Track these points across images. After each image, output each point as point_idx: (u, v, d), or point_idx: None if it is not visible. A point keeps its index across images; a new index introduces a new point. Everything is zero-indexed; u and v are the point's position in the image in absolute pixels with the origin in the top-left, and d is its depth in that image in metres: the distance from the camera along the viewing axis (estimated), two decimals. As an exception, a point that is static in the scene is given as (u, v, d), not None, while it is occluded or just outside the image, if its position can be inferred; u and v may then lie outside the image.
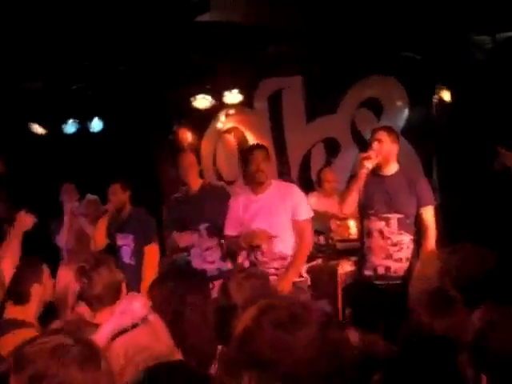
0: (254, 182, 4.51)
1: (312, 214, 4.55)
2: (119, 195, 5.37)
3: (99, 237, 5.49)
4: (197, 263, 4.93)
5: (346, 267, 5.60)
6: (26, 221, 3.79)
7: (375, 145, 4.29)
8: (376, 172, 4.41)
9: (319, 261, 5.80)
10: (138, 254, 5.21)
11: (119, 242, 5.33)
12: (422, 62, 6.22)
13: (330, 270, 5.64)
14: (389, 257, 4.31)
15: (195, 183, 5.03)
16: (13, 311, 3.33)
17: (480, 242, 2.71)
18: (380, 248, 4.34)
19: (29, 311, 3.34)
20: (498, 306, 2.00)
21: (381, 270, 4.31)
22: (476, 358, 1.92)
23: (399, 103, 6.73)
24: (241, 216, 4.55)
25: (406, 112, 6.69)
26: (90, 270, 3.01)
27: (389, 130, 4.46)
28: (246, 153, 4.74)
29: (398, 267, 4.26)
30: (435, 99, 6.38)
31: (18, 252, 3.64)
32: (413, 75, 6.36)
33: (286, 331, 1.46)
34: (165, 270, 5.02)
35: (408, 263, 4.27)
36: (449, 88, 6.22)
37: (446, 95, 6.24)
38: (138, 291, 4.59)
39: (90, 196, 6.25)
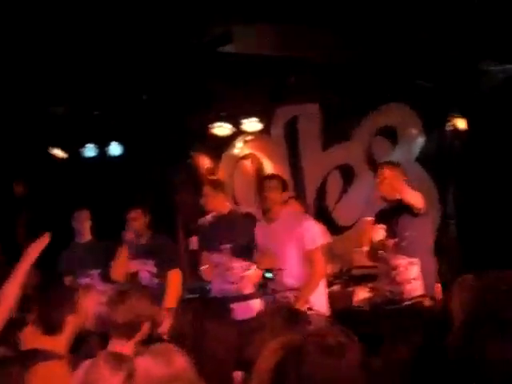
0: (262, 210, 4.66)
1: (322, 242, 4.63)
2: (140, 220, 5.34)
3: (121, 266, 5.25)
4: (217, 283, 5.01)
5: (362, 294, 5.63)
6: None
7: (379, 183, 4.47)
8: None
9: (336, 287, 5.86)
10: (161, 278, 5.22)
11: (137, 267, 5.31)
12: (436, 91, 6.33)
13: (346, 296, 5.68)
14: None
15: (224, 208, 5.12)
16: (42, 341, 3.08)
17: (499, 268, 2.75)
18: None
19: (60, 342, 3.11)
20: None
21: None
22: None
23: (414, 131, 6.82)
24: (260, 243, 4.70)
25: (421, 140, 6.77)
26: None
27: (390, 165, 4.61)
28: (260, 181, 4.90)
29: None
30: (449, 127, 6.46)
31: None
32: (427, 103, 6.47)
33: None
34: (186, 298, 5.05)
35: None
36: (462, 116, 6.31)
37: (460, 123, 6.33)
38: None
39: None
